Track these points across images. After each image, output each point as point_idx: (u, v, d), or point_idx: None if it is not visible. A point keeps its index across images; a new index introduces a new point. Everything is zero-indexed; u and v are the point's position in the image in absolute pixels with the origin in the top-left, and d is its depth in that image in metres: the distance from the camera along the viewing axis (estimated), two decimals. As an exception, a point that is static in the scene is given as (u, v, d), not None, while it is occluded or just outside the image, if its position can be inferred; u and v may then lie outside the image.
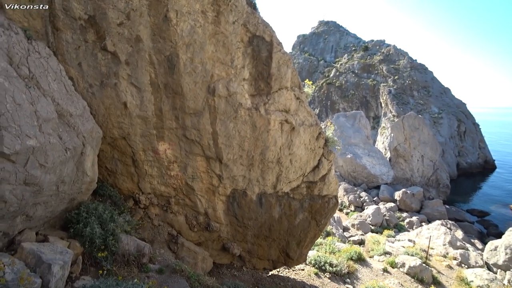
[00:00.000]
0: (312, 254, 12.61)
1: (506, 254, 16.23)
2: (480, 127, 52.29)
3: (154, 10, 5.63)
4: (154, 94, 6.17)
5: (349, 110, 53.37)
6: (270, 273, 10.33)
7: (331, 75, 65.78)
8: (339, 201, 28.91)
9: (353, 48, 74.50)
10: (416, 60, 61.15)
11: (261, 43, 6.65)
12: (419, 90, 53.02)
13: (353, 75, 61.88)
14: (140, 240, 6.18)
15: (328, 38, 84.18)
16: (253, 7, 7.02)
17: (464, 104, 54.48)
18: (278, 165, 7.45)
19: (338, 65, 68.46)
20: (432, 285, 12.78)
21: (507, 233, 18.19)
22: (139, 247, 5.81)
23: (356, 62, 65.03)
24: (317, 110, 62.26)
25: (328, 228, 18.92)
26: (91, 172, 5.32)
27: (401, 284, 12.31)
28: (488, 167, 48.04)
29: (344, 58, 71.05)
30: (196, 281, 5.97)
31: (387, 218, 24.65)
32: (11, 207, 3.82)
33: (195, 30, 5.94)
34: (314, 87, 7.86)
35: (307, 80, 8.10)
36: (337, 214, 24.66)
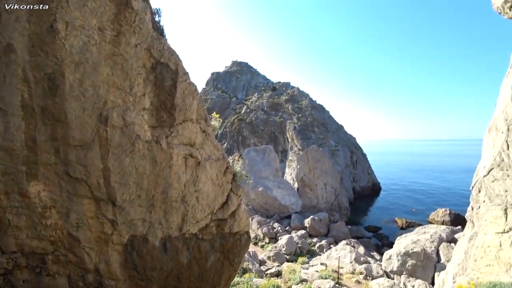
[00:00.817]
0: (228, 296, 11.77)
1: (398, 260, 18.83)
2: (367, 156, 62.52)
3: (36, 17, 4.66)
4: (26, 119, 4.91)
5: (259, 144, 56.56)
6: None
7: (242, 112, 69.41)
8: (254, 234, 29.09)
9: (263, 88, 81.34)
10: (315, 101, 70.51)
11: (165, 70, 6.27)
12: (319, 126, 60.51)
13: (263, 112, 66.74)
14: None
15: (240, 77, 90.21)
16: (160, 32, 6.69)
17: (354, 138, 64.71)
18: (183, 204, 6.80)
19: (249, 103, 73.14)
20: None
21: (396, 242, 21.39)
22: None
23: (265, 100, 70.71)
24: (229, 145, 63.74)
25: (245, 264, 18.39)
26: None
27: (318, 310, 12.53)
28: (375, 189, 57.04)
29: (255, 97, 76.54)
30: None
31: (300, 245, 25.72)
32: None
33: (88, 48, 5.16)
34: (221, 120, 7.78)
35: (214, 113, 7.99)
36: (252, 248, 24.41)
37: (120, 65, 5.64)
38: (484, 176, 9.80)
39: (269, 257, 22.85)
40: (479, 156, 11.13)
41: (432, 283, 15.89)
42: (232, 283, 12.49)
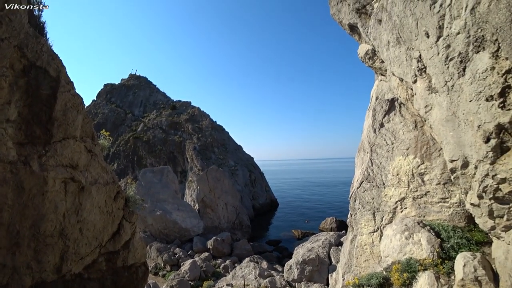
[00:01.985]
0: None
1: (298, 269, 20.35)
2: (264, 175, 66.70)
3: None
4: None
5: (156, 165, 53.12)
6: None
7: (139, 129, 64.26)
8: (153, 263, 26.44)
9: (162, 106, 77.63)
10: (216, 121, 71.67)
11: (42, 77, 5.14)
12: (218, 147, 61.45)
13: (161, 131, 63.38)
14: None
15: (138, 93, 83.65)
16: (39, 30, 5.52)
17: (252, 158, 68.30)
18: (62, 239, 5.54)
19: (147, 120, 68.39)
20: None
21: (294, 252, 23.17)
22: None
23: (164, 119, 67.52)
24: (122, 165, 57.65)
25: (141, 301, 16.28)
26: None
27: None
28: (273, 205, 61.03)
29: (153, 114, 72.21)
30: None
31: (204, 268, 24.72)
32: None
33: None
34: (111, 138, 6.89)
35: (103, 130, 7.00)
36: (152, 279, 22.08)
37: None
38: (357, 188, 11.80)
39: (172, 287, 21.04)
40: (353, 171, 13.42)
41: (327, 284, 17.78)
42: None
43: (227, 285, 20.31)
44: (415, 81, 7.74)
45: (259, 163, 70.18)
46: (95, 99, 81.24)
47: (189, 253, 28.89)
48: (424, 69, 7.13)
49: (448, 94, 6.30)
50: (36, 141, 5.18)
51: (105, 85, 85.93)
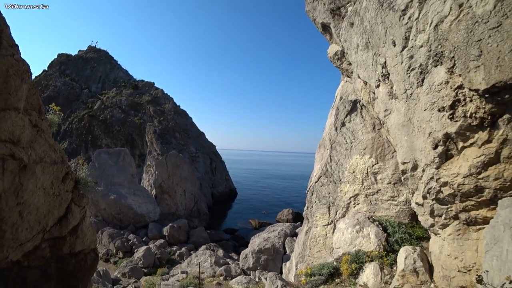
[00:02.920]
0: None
1: (253, 258, 20.79)
2: (225, 163, 66.44)
3: None
4: None
5: (113, 146, 50.16)
6: None
7: (95, 107, 59.87)
8: (105, 250, 25.19)
9: (123, 84, 72.96)
10: (179, 105, 69.29)
11: None
12: (180, 132, 59.73)
13: (120, 111, 59.81)
14: None
15: (97, 67, 77.21)
16: None
17: (214, 146, 67.53)
18: (-5, 222, 4.95)
19: (105, 98, 63.88)
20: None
21: (250, 242, 23.58)
22: None
23: (124, 98, 63.67)
24: (74, 145, 53.62)
25: (93, 287, 15.49)
26: None
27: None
28: (232, 194, 61.24)
29: (112, 92, 67.63)
30: None
31: (159, 256, 24.18)
32: None
33: None
34: (62, 114, 6.29)
35: (53, 104, 6.35)
36: (103, 266, 21.06)
37: None
38: (315, 182, 12.25)
39: (124, 274, 20.29)
40: (312, 166, 13.86)
41: (281, 273, 18.44)
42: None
43: (182, 272, 20.10)
44: (378, 86, 8.13)
45: (221, 152, 69.69)
46: (46, 69, 73.52)
47: (143, 239, 28.03)
48: (387, 75, 7.50)
49: (406, 101, 6.71)
50: (-32, 111, 4.52)
51: (59, 55, 78.03)
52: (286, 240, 22.78)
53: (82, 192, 6.45)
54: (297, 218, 39.53)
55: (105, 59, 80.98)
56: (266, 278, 17.74)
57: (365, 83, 9.40)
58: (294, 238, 22.95)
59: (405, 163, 7.08)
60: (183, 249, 26.77)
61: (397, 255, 7.86)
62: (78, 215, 6.50)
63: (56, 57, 77.57)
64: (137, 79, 77.91)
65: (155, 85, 74.55)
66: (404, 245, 8.01)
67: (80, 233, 6.69)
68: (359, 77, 9.76)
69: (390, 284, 7.46)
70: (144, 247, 24.19)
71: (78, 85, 69.18)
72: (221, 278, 18.75)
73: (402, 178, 7.48)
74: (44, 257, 6.32)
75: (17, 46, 5.33)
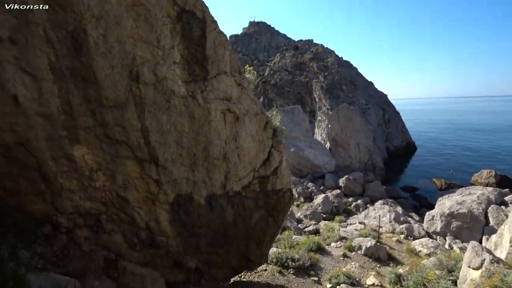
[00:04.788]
0: (272, 252, 12.01)
1: (442, 221, 18.05)
2: (400, 114, 58.97)
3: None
4: (58, 83, 4.68)
5: (286, 106, 54.99)
6: (232, 280, 9.39)
7: (266, 74, 67.21)
8: (289, 195, 29.33)
9: (285, 48, 77.56)
10: (342, 57, 66.24)
11: (192, 19, 5.68)
12: (347, 84, 57.41)
13: (287, 73, 64.24)
14: (62, 276, 4.69)
15: (260, 38, 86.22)
16: None
17: (386, 95, 60.88)
18: (225, 162, 6.55)
19: (272, 64, 70.44)
20: (390, 262, 13.33)
21: (438, 203, 20.34)
22: (60, 286, 4.36)
23: (288, 60, 67.68)
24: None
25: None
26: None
27: (362, 266, 12.49)
28: (410, 148, 54.35)
29: (277, 57, 73.44)
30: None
31: (336, 204, 25.62)
32: None
33: None
34: (255, 73, 7.19)
35: (247, 65, 7.39)
36: (289, 208, 24.73)
37: (143, 16, 5.13)
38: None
39: (305, 216, 23.08)
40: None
41: (480, 247, 15.18)
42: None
43: (359, 222, 20.37)
44: None
45: (394, 102, 61.85)
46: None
47: (321, 188, 30.31)
48: None
49: None
50: (197, 79, 5.96)
51: (230, 37, 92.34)
52: (490, 208, 17.90)
53: (279, 138, 7.42)
54: (504, 183, 29.90)
55: (265, 29, 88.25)
56: (461, 248, 14.89)
57: None
58: (503, 207, 17.70)
59: None
60: (359, 201, 26.90)
61: None
62: (277, 158, 7.59)
63: (228, 39, 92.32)
64: (295, 40, 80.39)
65: (314, 41, 74.31)
66: None
67: (279, 174, 7.84)
68: None
69: None
70: (322, 195, 26.09)
71: (249, 57, 79.61)
72: (402, 236, 17.49)
73: None
74: (255, 191, 7.90)
75: (216, 21, 6.36)
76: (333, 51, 67.39)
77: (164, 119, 5.43)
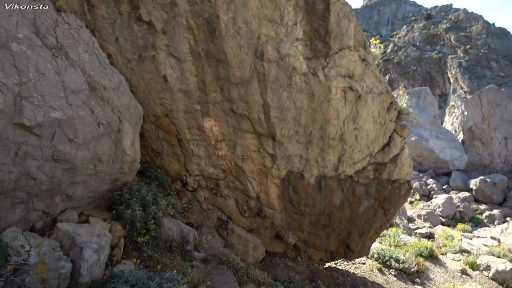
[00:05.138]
0: (375, 246, 11.21)
1: None
2: None
3: (187, -33, 4.85)
4: (195, 64, 5.46)
5: (410, 88, 48.03)
6: (327, 265, 9.31)
7: (388, 51, 59.71)
8: (402, 188, 26.26)
9: (413, 18, 66.61)
10: (493, 23, 52.11)
11: None
12: (498, 60, 45.20)
13: (414, 49, 55.33)
14: (186, 225, 5.68)
15: (383, 10, 76.50)
16: None
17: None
18: (341, 143, 6.26)
19: (396, 39, 61.88)
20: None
21: None
22: (183, 233, 5.28)
23: (417, 33, 57.99)
24: (373, 91, 57.67)
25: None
26: (131, 151, 4.83)
27: (485, 291, 10.23)
28: None
29: (403, 31, 63.98)
30: (244, 274, 5.27)
31: (461, 210, 21.47)
32: (43, 185, 3.45)
33: None
34: (382, 47, 6.44)
35: (373, 39, 6.64)
36: (400, 202, 22.30)
37: None
38: None
39: (419, 216, 20.37)
40: None
41: None
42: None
43: (492, 237, 16.34)
44: None
45: None
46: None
47: (443, 187, 25.87)
48: None
49: None
50: (318, 55, 5.76)
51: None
52: None
53: (404, 122, 6.57)
54: None
55: None
56: None
57: None
58: None
59: None
60: (495, 211, 21.60)
61: None
62: (399, 144, 6.78)
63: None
64: (428, 8, 67.50)
65: (453, 6, 60.71)
66: None
67: (398, 163, 7.01)
68: None
69: None
70: (445, 196, 22.24)
71: (369, 33, 71.91)
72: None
73: None
74: (368, 178, 7.32)
75: None
76: (481, 17, 53.63)
77: (284, 95, 5.55)
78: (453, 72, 44.59)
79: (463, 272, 11.38)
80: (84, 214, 4.62)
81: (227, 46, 5.26)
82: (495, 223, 20.30)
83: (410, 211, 21.50)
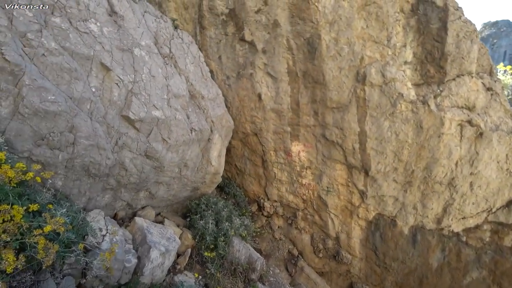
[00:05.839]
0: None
1: None
2: None
3: (291, -12, 4.91)
4: (291, 84, 5.34)
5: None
6: None
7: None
8: None
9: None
10: None
11: (429, 9, 4.88)
12: None
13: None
14: (254, 250, 5.21)
15: (498, 43, 68.08)
16: None
17: None
18: (450, 189, 5.12)
19: None
20: None
21: None
22: (251, 259, 4.81)
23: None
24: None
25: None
26: (216, 163, 4.76)
27: None
28: None
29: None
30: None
31: None
32: (132, 177, 3.55)
33: (340, 4, 4.83)
34: (512, 73, 5.30)
35: (501, 64, 5.55)
36: None
37: (374, 15, 4.88)
38: None
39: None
40: None
41: None
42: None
43: None
44: None
45: None
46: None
47: None
48: None
49: None
50: (430, 81, 5.00)
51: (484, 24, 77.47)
52: None
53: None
54: None
55: (507, 30, 67.41)
56: None
57: None
58: None
59: None
60: None
61: None
62: (536, 202, 5.23)
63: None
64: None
65: None
66: None
67: (531, 227, 5.37)
68: None
69: None
70: None
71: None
72: None
73: None
74: (482, 240, 5.79)
75: (461, 8, 5.17)
76: None
77: (385, 125, 4.87)
78: None
79: None
80: (161, 215, 4.64)
81: (327, 67, 4.98)
82: None
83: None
